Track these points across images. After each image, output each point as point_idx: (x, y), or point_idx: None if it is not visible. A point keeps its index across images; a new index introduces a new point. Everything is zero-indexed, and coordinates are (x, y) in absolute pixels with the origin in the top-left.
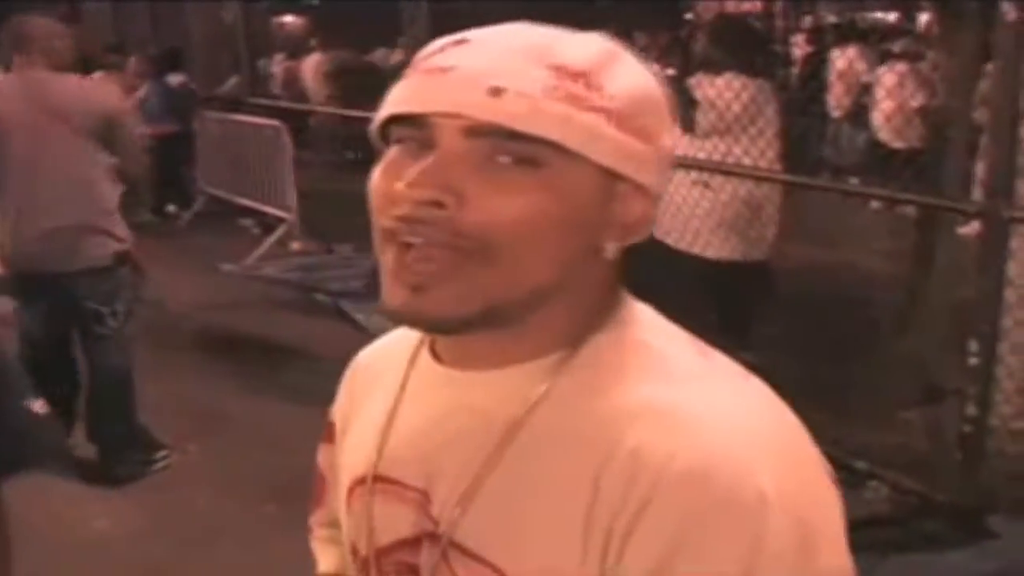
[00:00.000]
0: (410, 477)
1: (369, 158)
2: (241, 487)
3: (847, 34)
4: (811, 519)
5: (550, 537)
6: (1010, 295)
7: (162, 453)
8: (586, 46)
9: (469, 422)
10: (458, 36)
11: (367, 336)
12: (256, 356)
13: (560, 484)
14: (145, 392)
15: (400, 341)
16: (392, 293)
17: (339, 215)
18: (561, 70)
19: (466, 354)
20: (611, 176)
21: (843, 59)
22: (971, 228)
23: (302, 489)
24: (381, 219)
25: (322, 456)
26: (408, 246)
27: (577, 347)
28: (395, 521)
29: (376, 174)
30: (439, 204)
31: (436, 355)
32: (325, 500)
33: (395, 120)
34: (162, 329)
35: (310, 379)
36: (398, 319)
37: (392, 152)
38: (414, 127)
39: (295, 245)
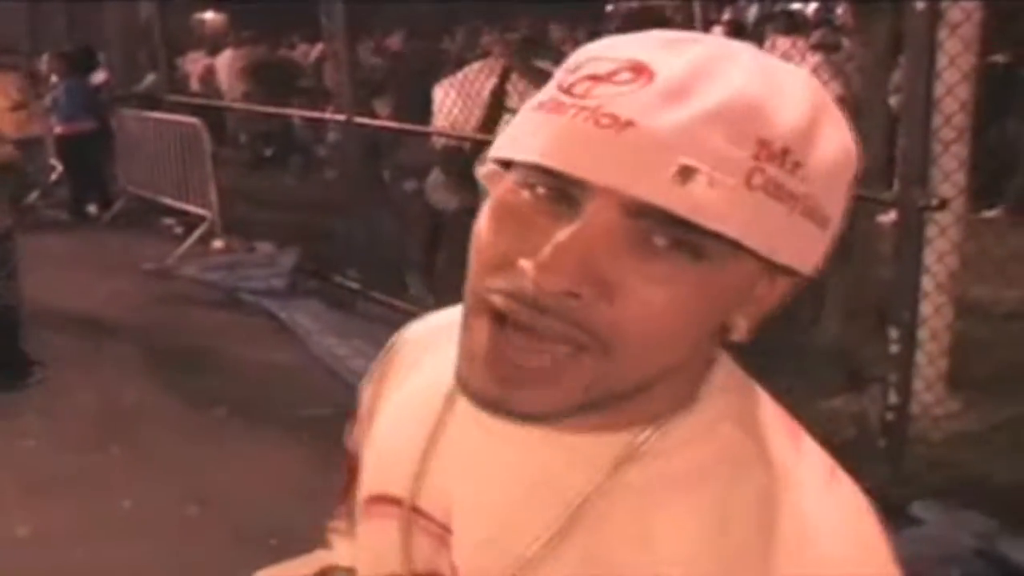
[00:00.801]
0: (443, 515)
1: (286, 154)
2: (164, 488)
3: (769, 25)
4: None
5: None
6: (927, 283)
7: (35, 368)
8: (796, 102)
9: (527, 484)
10: (633, 56)
11: (290, 334)
12: (179, 356)
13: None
14: (66, 392)
15: (443, 341)
16: (475, 376)
17: (260, 212)
18: (766, 145)
19: None
20: (777, 267)
21: (774, 52)
22: (890, 216)
23: (225, 490)
24: (484, 283)
25: (349, 442)
26: (514, 328)
27: (661, 426)
28: (426, 557)
29: (487, 221)
30: (574, 295)
31: None
32: (353, 488)
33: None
34: (83, 330)
35: (233, 379)
36: (476, 404)
37: (517, 198)
38: (556, 180)
39: (217, 243)
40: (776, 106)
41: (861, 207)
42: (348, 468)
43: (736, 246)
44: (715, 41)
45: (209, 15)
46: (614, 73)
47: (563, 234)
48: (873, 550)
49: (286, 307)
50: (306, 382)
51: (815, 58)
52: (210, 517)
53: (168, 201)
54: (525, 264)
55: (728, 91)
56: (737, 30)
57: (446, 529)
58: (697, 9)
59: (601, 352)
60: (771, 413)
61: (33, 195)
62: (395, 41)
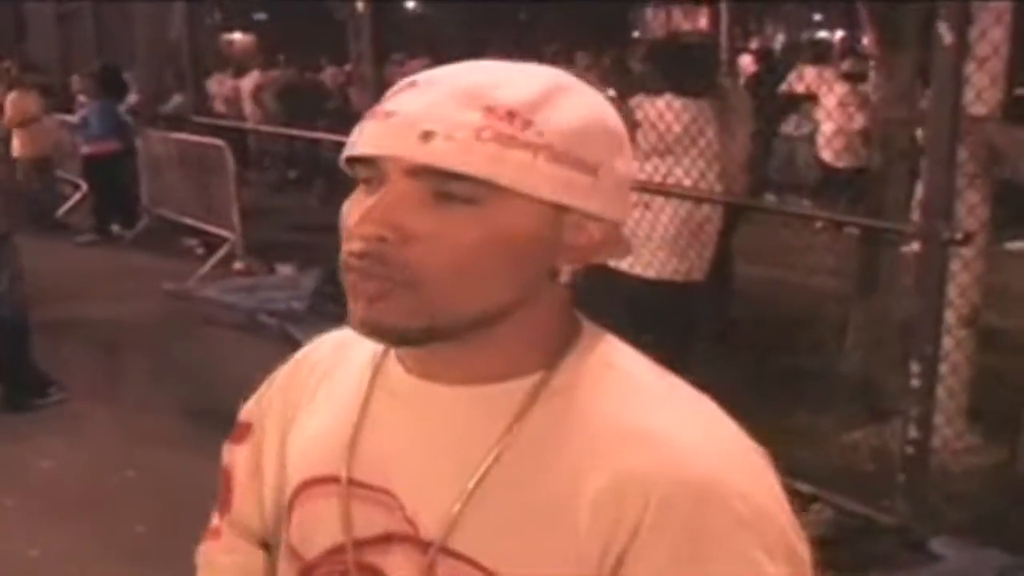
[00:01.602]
0: (383, 481)
1: (310, 177)
2: (178, 513)
3: (797, 55)
4: (787, 523)
5: (544, 553)
6: (949, 316)
7: (53, 389)
8: (526, 84)
9: (452, 435)
10: (412, 78)
11: None
12: (198, 378)
13: (549, 504)
14: (84, 414)
15: (352, 345)
16: (353, 308)
17: (283, 234)
18: (492, 111)
19: (436, 367)
20: (555, 208)
21: (801, 83)
22: (913, 248)
23: None
24: (343, 251)
25: (231, 457)
26: (358, 274)
27: (550, 369)
28: (367, 522)
29: (344, 209)
30: (381, 239)
31: (405, 365)
32: (233, 503)
33: (356, 160)
34: (104, 350)
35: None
36: (362, 332)
37: (356, 191)
38: (369, 168)
39: (238, 265)
40: (503, 88)
41: (885, 237)
42: (225, 483)
43: (499, 189)
44: (472, 62)
45: (237, 36)
46: (398, 90)
47: (371, 199)
48: (743, 439)
49: (306, 330)
50: None
51: (843, 87)
52: None
53: (191, 222)
54: (349, 223)
55: (463, 81)
56: (765, 57)
57: (387, 493)
58: (724, 37)
59: (414, 284)
60: (638, 356)
61: (61, 210)
62: (418, 64)
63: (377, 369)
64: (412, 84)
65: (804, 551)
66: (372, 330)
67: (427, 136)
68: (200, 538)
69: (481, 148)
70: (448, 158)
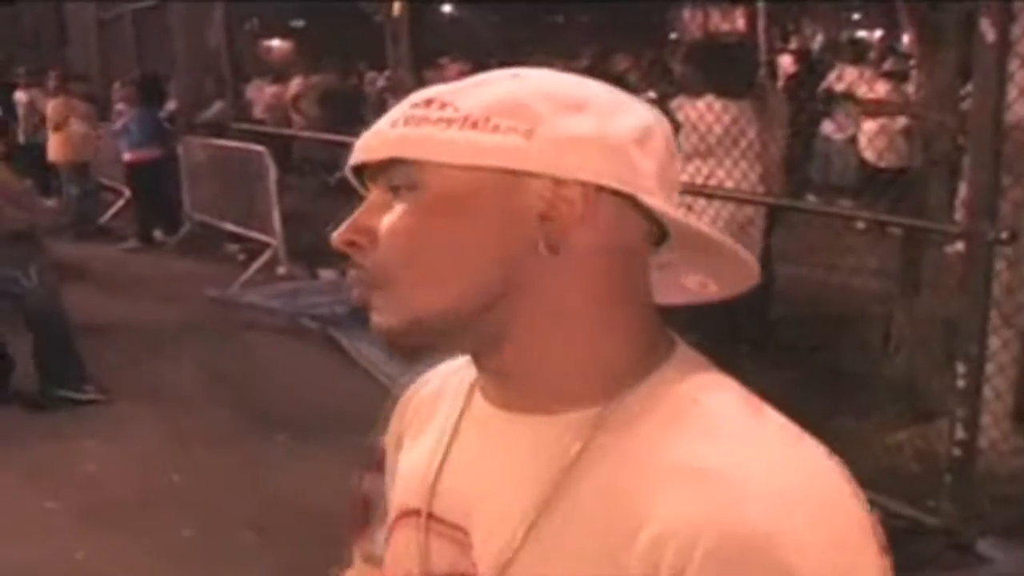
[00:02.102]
0: (459, 517)
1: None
2: (223, 516)
3: (837, 54)
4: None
5: None
6: (995, 316)
7: (90, 387)
8: (470, 80)
9: (517, 469)
10: None
11: (352, 363)
12: (241, 383)
13: (599, 546)
14: (129, 418)
15: (456, 373)
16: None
17: (325, 240)
18: (414, 104)
19: (504, 391)
20: (500, 174)
21: (842, 82)
22: (957, 247)
23: (284, 519)
24: None
25: (368, 483)
26: (355, 283)
27: (619, 397)
28: (442, 559)
29: None
30: (353, 244)
31: (485, 392)
32: (369, 529)
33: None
34: (148, 355)
35: (295, 406)
36: (379, 338)
37: None
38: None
39: (280, 270)
40: (436, 87)
41: (929, 237)
42: (361, 511)
43: (430, 168)
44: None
45: (276, 42)
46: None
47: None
48: (838, 493)
49: (349, 335)
50: (369, 411)
51: (884, 86)
52: (268, 546)
53: (233, 228)
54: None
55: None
56: (804, 58)
57: (462, 531)
58: (761, 38)
59: (386, 283)
60: (729, 385)
61: (104, 217)
62: (454, 70)
63: (468, 398)
64: None
65: None
66: (382, 336)
67: (363, 138)
68: (245, 541)
69: (393, 132)
70: (368, 149)
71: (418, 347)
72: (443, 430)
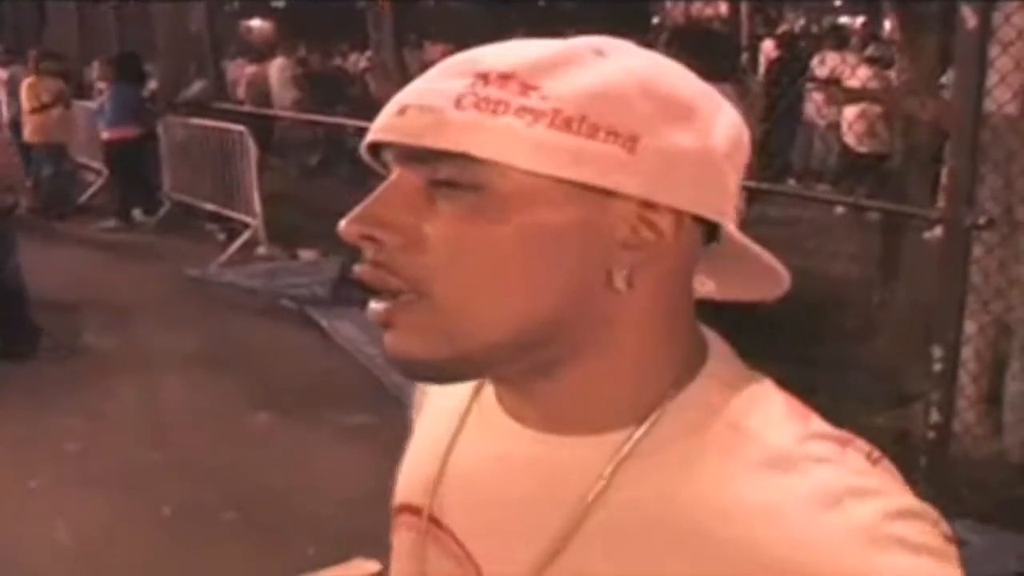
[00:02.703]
0: (460, 530)
1: (334, 162)
2: (204, 494)
3: (820, 40)
4: None
5: None
6: (973, 301)
7: (44, 335)
8: (537, 48)
9: (534, 492)
10: None
11: (331, 342)
12: (222, 363)
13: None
14: (111, 397)
15: None
16: (384, 338)
17: (305, 220)
18: (482, 76)
19: (521, 404)
20: (588, 191)
21: (824, 67)
22: (936, 232)
23: (265, 498)
24: None
25: None
26: (369, 289)
27: (650, 419)
28: (439, 570)
29: None
30: (374, 240)
31: (497, 393)
32: None
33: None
34: (128, 335)
35: (275, 386)
36: (392, 366)
37: None
38: (383, 166)
39: (260, 250)
40: (508, 54)
41: (907, 222)
42: None
43: (506, 169)
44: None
45: (256, 23)
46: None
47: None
48: (892, 506)
49: (328, 315)
50: (348, 390)
51: (866, 72)
52: (249, 524)
53: (213, 207)
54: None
55: (466, 54)
56: (789, 45)
57: (461, 546)
58: (744, 23)
59: (421, 297)
60: (771, 398)
61: (83, 196)
62: (438, 50)
63: (476, 393)
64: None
65: None
66: (397, 363)
67: (402, 112)
68: (226, 519)
69: (457, 116)
70: (418, 132)
71: (450, 380)
72: (448, 423)
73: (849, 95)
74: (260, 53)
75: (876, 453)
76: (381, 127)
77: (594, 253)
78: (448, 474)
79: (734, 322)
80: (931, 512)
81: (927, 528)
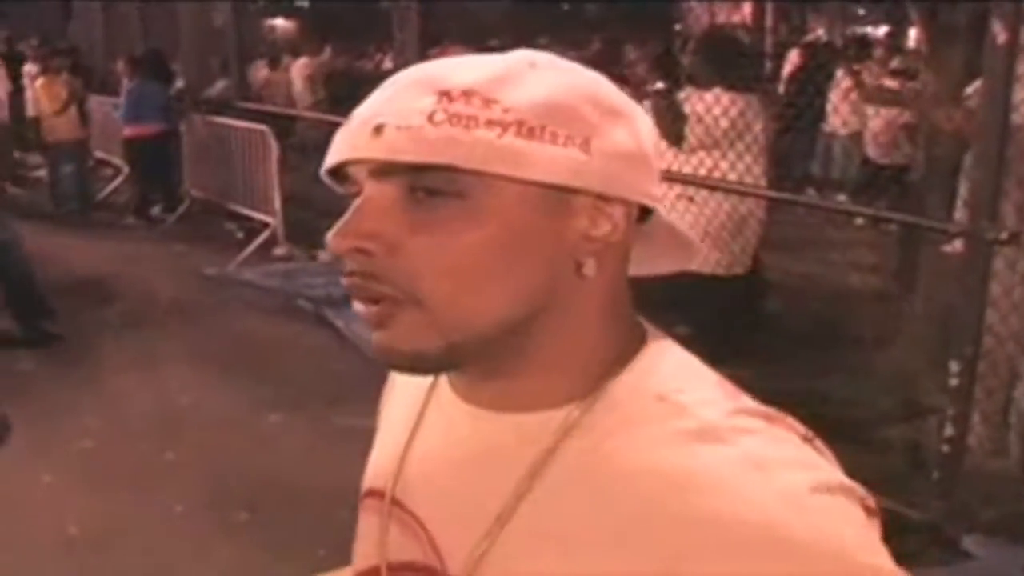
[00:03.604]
0: (418, 508)
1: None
2: (216, 494)
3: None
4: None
5: None
6: (991, 316)
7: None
8: (487, 65)
9: (483, 466)
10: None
11: (346, 343)
12: (236, 362)
13: (584, 545)
14: (124, 395)
15: None
16: (372, 336)
17: (324, 221)
18: (445, 94)
19: (474, 388)
20: (554, 190)
21: (848, 79)
22: (955, 246)
23: (276, 499)
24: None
25: None
26: (357, 296)
27: (590, 397)
28: (399, 547)
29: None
30: (363, 251)
31: (451, 381)
32: None
33: (336, 177)
34: (143, 332)
35: (289, 387)
36: (381, 360)
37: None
38: (346, 181)
39: (278, 250)
40: (458, 72)
41: (927, 235)
42: None
43: (479, 176)
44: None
45: (280, 22)
46: (372, 94)
47: (348, 210)
48: (820, 476)
49: (344, 316)
50: (363, 393)
51: (891, 83)
52: (259, 525)
53: (232, 206)
54: (327, 239)
55: (416, 73)
56: (814, 54)
57: (417, 520)
58: (769, 32)
59: (414, 301)
60: (704, 377)
61: (103, 193)
62: (455, 52)
63: (433, 385)
64: (380, 87)
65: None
66: (388, 357)
67: (378, 130)
68: (238, 518)
69: (435, 131)
70: (400, 148)
71: (437, 371)
72: (411, 413)
73: (881, 95)
74: (276, 57)
75: (810, 434)
76: (358, 146)
77: (562, 245)
78: (409, 458)
79: (747, 333)
80: (859, 489)
81: (851, 503)
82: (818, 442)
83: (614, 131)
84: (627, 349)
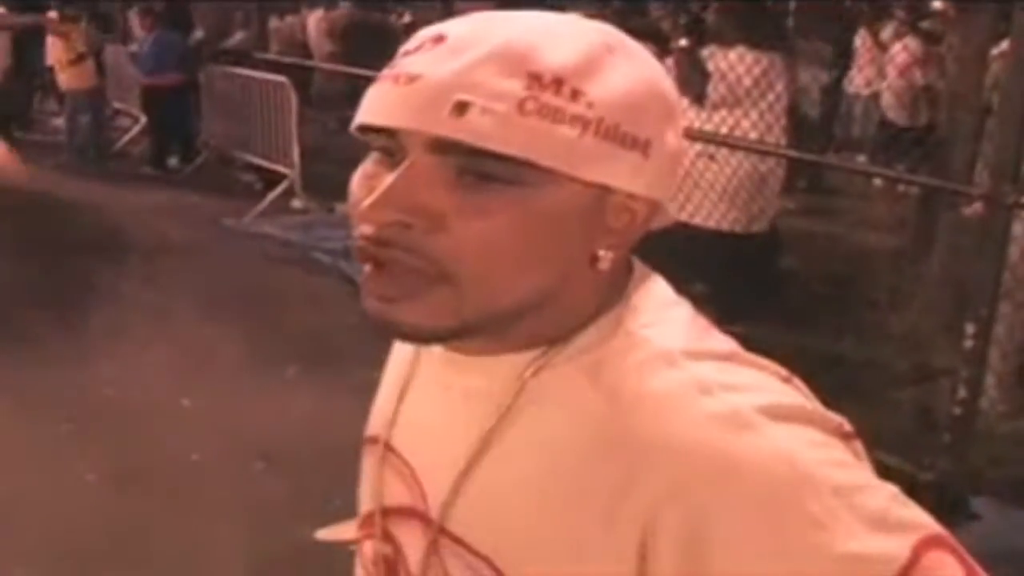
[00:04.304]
0: (406, 451)
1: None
2: (232, 443)
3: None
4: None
5: (537, 544)
6: (1008, 279)
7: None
8: (573, 44)
9: (461, 410)
10: (438, 30)
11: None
12: (252, 313)
13: (540, 492)
14: (142, 343)
15: None
16: (367, 302)
17: (341, 173)
18: (537, 78)
19: (465, 341)
20: (600, 188)
21: (871, 38)
22: (975, 209)
23: (292, 449)
24: (356, 233)
25: None
26: (375, 264)
27: (567, 339)
28: (394, 492)
29: (353, 183)
30: (405, 225)
31: None
32: None
33: (368, 127)
34: (159, 283)
35: (305, 339)
36: (377, 327)
37: (367, 162)
38: (385, 137)
39: (296, 202)
40: (547, 48)
41: (946, 198)
42: None
43: (538, 168)
44: (508, 11)
45: None
46: (420, 46)
47: (389, 177)
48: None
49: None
50: (379, 345)
51: (914, 43)
52: (275, 474)
53: (250, 158)
54: (363, 206)
55: (500, 40)
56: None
57: (407, 465)
58: None
59: (445, 278)
60: (678, 316)
61: (120, 142)
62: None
63: None
64: (438, 39)
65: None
66: (389, 328)
67: (461, 107)
68: (254, 467)
69: (524, 123)
70: (487, 135)
71: (438, 343)
72: (406, 360)
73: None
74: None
75: (788, 375)
76: (432, 119)
77: (588, 237)
78: (402, 407)
79: (763, 292)
80: (824, 412)
81: (806, 425)
82: (797, 381)
83: (668, 133)
84: (611, 297)
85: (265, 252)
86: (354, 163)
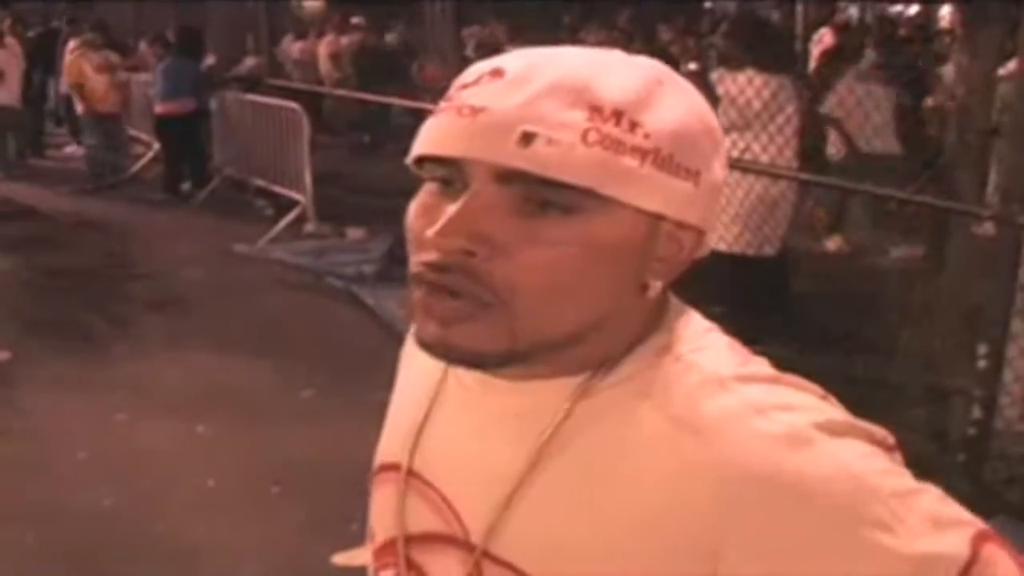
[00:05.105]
0: (438, 479)
1: (383, 141)
2: (247, 467)
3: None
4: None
5: (588, 561)
6: (1020, 299)
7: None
8: (628, 78)
9: (500, 432)
10: (494, 64)
11: (376, 320)
12: (267, 338)
13: (591, 510)
14: (157, 370)
15: None
16: (422, 327)
17: (353, 198)
18: (597, 110)
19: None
20: (653, 216)
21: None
22: (986, 228)
23: (308, 473)
24: (413, 260)
25: None
26: (431, 290)
27: (612, 364)
28: (418, 518)
29: (410, 213)
30: (469, 253)
31: None
32: None
33: (428, 158)
34: (173, 308)
35: (320, 363)
36: (430, 352)
37: (425, 192)
38: (446, 168)
39: (308, 227)
40: (604, 81)
41: (956, 219)
42: None
43: (599, 196)
44: (562, 47)
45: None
46: (478, 79)
47: (453, 207)
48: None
49: (374, 294)
50: (392, 369)
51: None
52: (291, 498)
53: (262, 183)
54: (428, 232)
55: (558, 74)
56: (843, 32)
57: (436, 491)
58: (800, 11)
59: (503, 305)
60: (717, 342)
61: (134, 168)
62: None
63: None
64: (496, 73)
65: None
66: (445, 352)
67: (527, 138)
68: (269, 493)
69: (587, 153)
70: (552, 165)
71: (488, 368)
72: (428, 385)
73: None
74: (301, 31)
75: (824, 393)
76: (501, 151)
77: (640, 266)
78: (426, 431)
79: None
80: (870, 427)
81: (858, 438)
82: (833, 399)
83: (715, 164)
84: (653, 324)
85: (278, 277)
86: (366, 188)
